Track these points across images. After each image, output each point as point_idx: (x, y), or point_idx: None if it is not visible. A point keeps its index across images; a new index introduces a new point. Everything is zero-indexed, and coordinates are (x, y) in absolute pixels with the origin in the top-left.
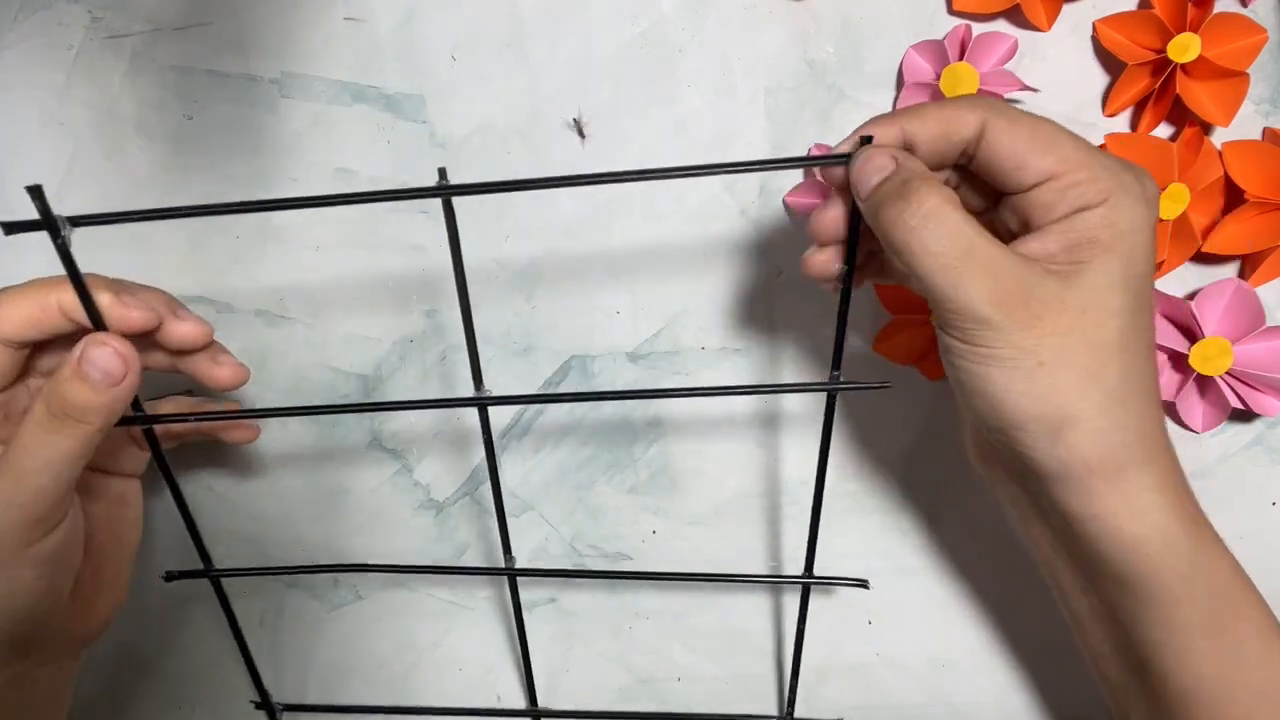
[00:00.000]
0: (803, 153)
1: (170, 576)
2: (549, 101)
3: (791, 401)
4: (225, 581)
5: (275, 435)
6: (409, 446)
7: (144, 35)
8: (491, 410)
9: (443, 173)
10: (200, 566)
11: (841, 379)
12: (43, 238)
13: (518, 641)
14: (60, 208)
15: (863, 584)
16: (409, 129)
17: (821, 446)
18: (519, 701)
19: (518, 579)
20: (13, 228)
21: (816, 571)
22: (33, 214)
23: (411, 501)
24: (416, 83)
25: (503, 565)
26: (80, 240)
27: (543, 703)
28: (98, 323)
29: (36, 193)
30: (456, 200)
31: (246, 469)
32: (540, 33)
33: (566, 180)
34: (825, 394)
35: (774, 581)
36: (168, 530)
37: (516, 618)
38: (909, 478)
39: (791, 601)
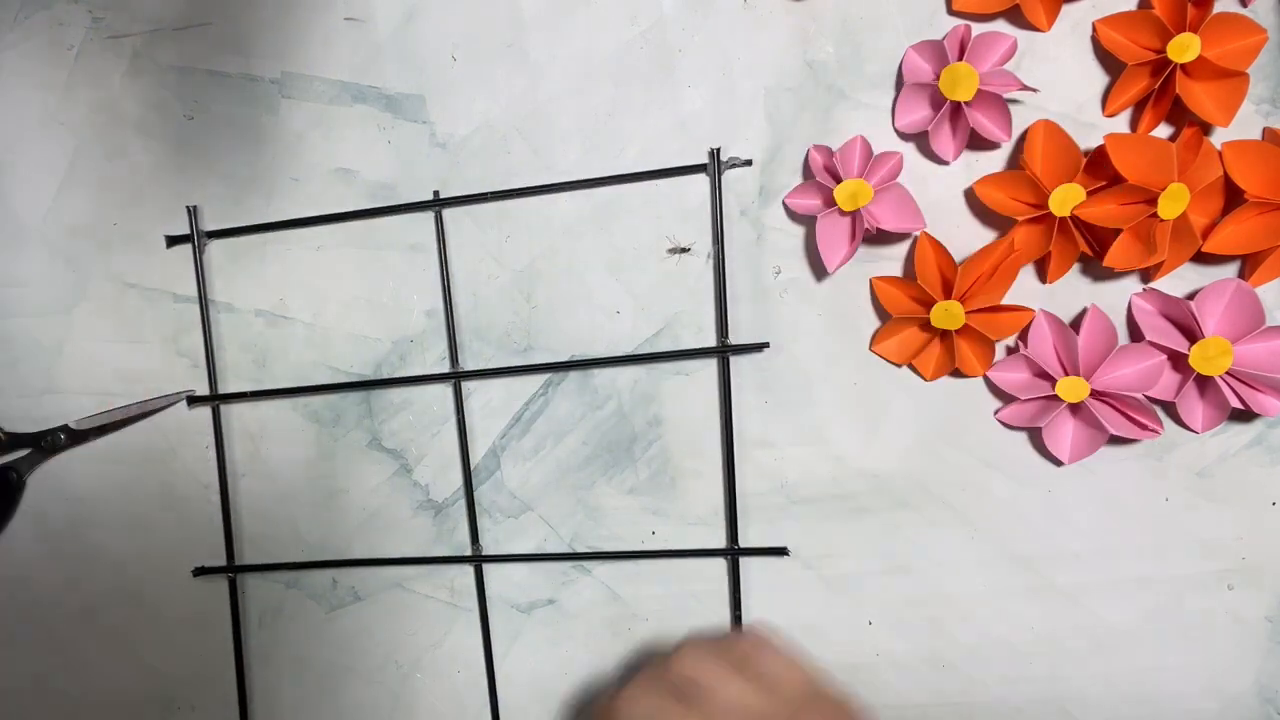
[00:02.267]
0: (802, 153)
1: (199, 571)
2: (549, 101)
3: (795, 399)
4: (223, 579)
5: (275, 435)
6: (408, 446)
7: (144, 35)
8: (491, 409)
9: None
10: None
11: (729, 342)
12: (40, 242)
13: (513, 640)
14: (60, 207)
15: (782, 551)
16: (409, 129)
17: (722, 406)
18: (519, 704)
19: (481, 568)
20: (171, 241)
21: (818, 563)
22: (38, 216)
23: (410, 501)
24: (416, 83)
25: (503, 575)
26: (79, 241)
27: (541, 704)
28: None
29: (193, 212)
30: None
31: (246, 469)
32: (540, 33)
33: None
34: (719, 359)
35: (699, 555)
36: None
37: (481, 606)
38: (908, 477)
39: (791, 603)
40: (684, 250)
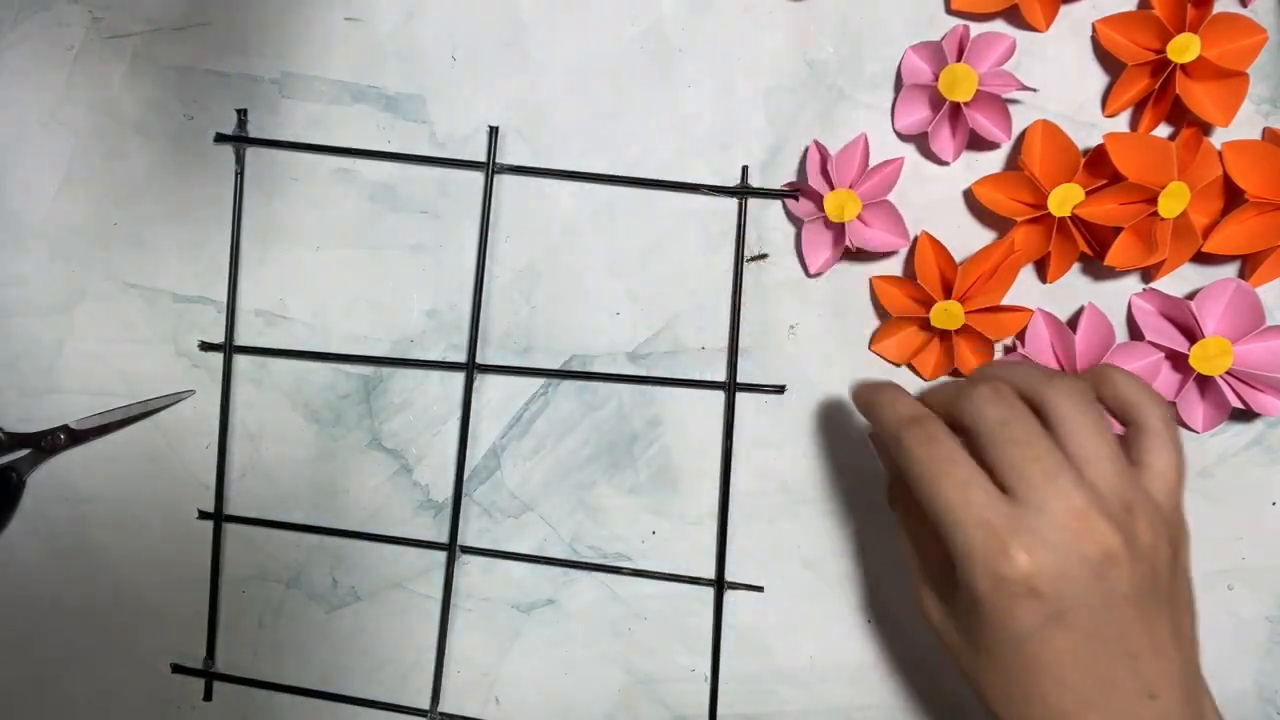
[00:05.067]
0: (800, 152)
1: (176, 669)
2: (549, 101)
3: (796, 399)
4: (226, 575)
5: (275, 435)
6: (408, 446)
7: (144, 35)
8: (491, 410)
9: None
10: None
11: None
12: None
13: (513, 640)
14: (60, 207)
15: (758, 589)
16: (409, 129)
17: (724, 445)
18: (519, 703)
19: (456, 559)
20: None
21: (818, 563)
22: (39, 216)
23: (411, 502)
24: (416, 83)
25: (503, 575)
26: (79, 241)
27: (541, 705)
28: None
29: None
30: (455, 199)
31: (245, 468)
32: (540, 33)
33: None
34: (726, 395)
35: (681, 580)
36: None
37: (445, 599)
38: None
39: (792, 602)
40: (762, 257)
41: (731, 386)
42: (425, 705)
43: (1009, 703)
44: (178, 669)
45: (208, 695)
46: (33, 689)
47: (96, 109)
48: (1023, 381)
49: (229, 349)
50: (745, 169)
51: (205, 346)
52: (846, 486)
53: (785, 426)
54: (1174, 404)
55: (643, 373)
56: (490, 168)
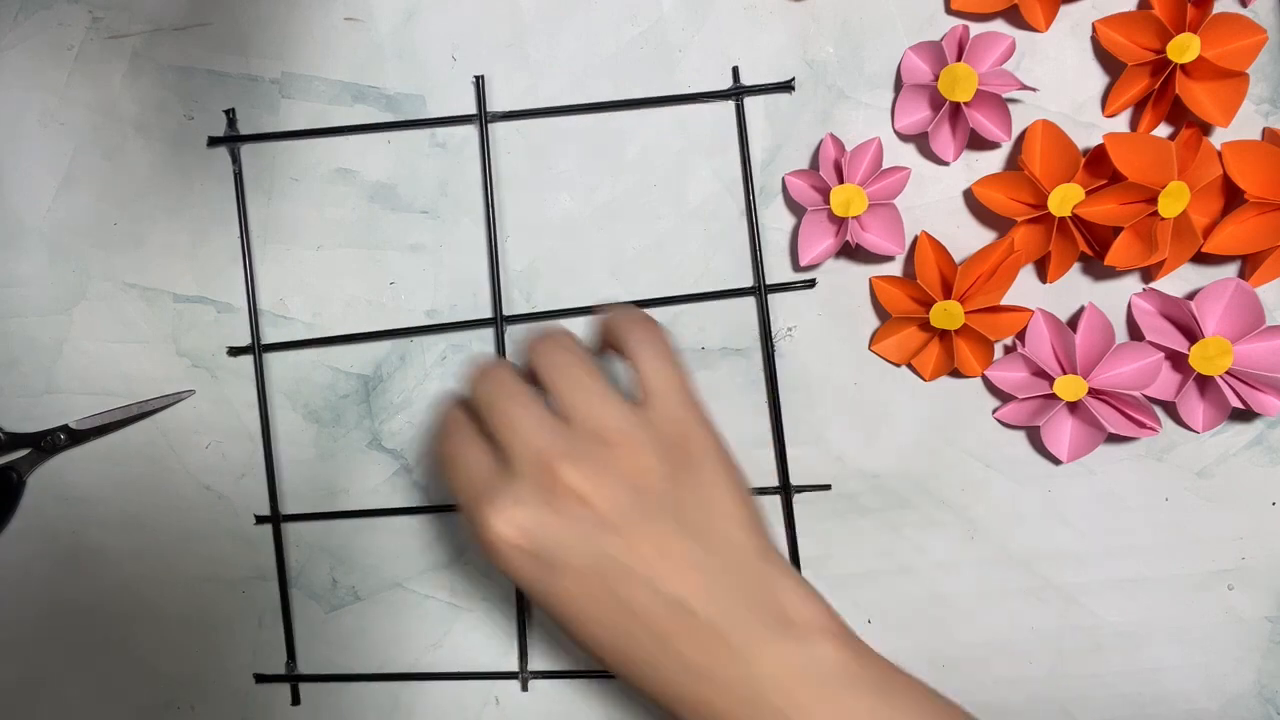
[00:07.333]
0: (805, 150)
1: (260, 679)
2: (549, 101)
3: (795, 400)
4: (226, 576)
5: (275, 435)
6: (408, 446)
7: (144, 35)
8: None
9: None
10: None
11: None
12: (40, 242)
13: (511, 641)
14: (60, 207)
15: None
16: (409, 129)
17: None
18: (518, 704)
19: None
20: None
21: (818, 563)
22: (38, 216)
23: (410, 502)
24: (416, 83)
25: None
26: (79, 241)
27: (541, 704)
28: None
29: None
30: (455, 199)
31: (245, 468)
32: (540, 33)
33: None
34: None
35: None
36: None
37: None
38: (907, 477)
39: None
40: (789, 330)
41: (761, 290)
42: (426, 707)
43: (593, 650)
44: (261, 678)
45: (295, 700)
46: (32, 689)
47: (96, 109)
48: (521, 354)
49: (258, 349)
50: (736, 69)
51: (234, 351)
52: (847, 487)
53: (785, 427)
54: (1173, 403)
55: None
56: (483, 118)
